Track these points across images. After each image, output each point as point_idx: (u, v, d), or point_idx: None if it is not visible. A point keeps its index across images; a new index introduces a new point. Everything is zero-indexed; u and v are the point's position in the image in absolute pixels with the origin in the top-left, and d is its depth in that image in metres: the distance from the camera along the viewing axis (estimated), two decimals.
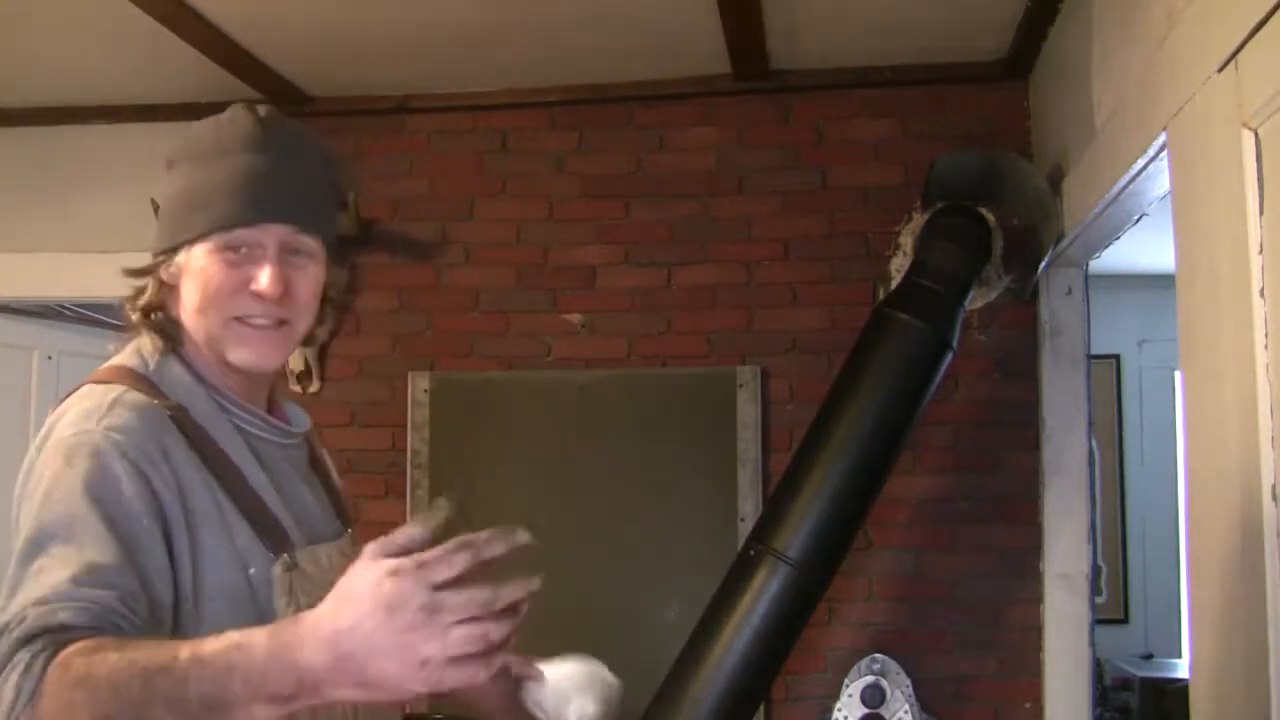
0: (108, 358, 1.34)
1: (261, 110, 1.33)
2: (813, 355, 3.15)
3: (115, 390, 1.22)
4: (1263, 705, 1.41)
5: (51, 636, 1.01)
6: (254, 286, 1.27)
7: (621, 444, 3.18)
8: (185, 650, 0.95)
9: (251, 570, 1.22)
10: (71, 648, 0.99)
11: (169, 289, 1.31)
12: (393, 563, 0.92)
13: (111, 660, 0.97)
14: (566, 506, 3.18)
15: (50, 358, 3.78)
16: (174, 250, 1.30)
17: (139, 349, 1.32)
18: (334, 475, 1.53)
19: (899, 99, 3.19)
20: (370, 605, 0.91)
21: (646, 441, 3.17)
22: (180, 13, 2.69)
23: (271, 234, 1.27)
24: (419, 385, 3.25)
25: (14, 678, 0.99)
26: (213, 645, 0.95)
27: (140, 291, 1.33)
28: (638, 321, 3.25)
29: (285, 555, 1.25)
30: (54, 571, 1.07)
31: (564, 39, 2.96)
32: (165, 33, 2.80)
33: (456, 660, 0.91)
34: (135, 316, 1.32)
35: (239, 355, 1.29)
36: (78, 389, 1.27)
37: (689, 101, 3.27)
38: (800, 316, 3.18)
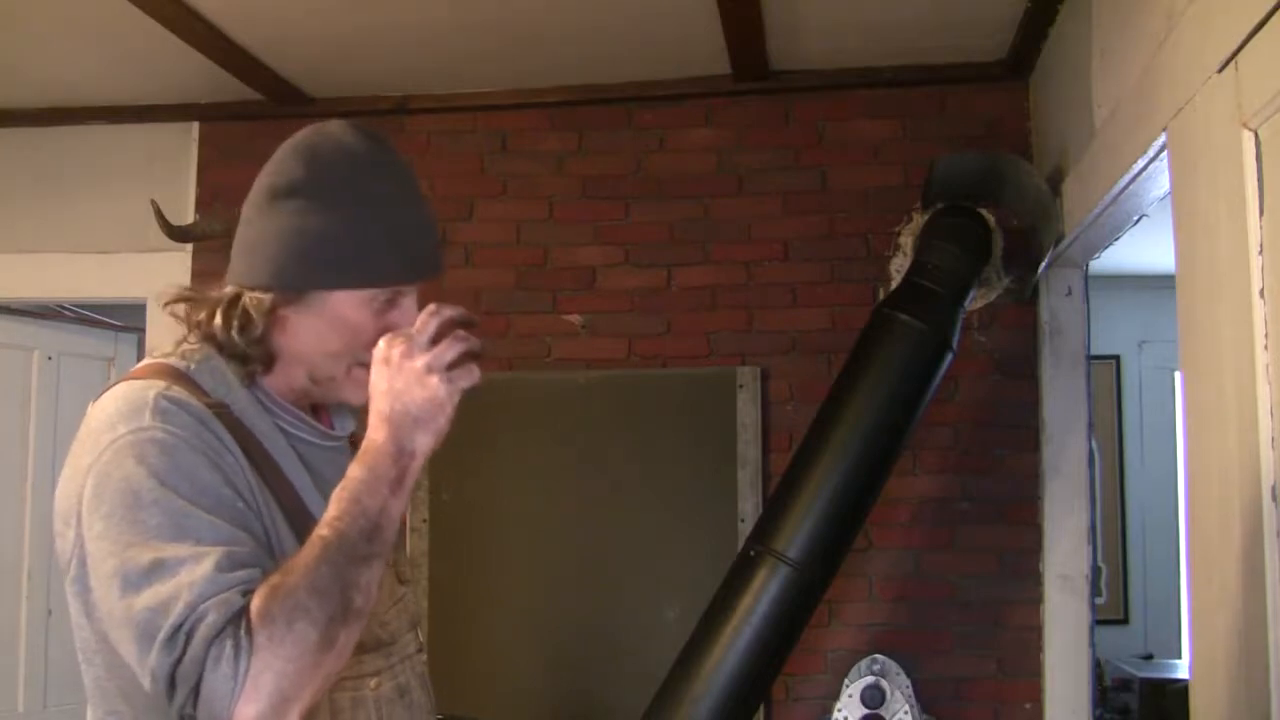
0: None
1: (381, 140, 1.33)
2: (813, 356, 3.15)
3: (156, 386, 1.20)
4: (1263, 705, 1.41)
5: (233, 625, 1.05)
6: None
7: (621, 444, 3.18)
8: (321, 528, 1.12)
9: None
10: (251, 603, 1.06)
11: (278, 320, 1.28)
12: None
13: (287, 576, 1.08)
14: (567, 507, 3.18)
15: (50, 358, 3.78)
16: (307, 290, 1.26)
17: (178, 347, 1.29)
18: None
19: (899, 100, 3.19)
20: (376, 375, 1.18)
21: (646, 442, 3.16)
22: (180, 13, 2.69)
23: (417, 285, 1.32)
24: None
25: (223, 668, 1.03)
26: (332, 507, 1.13)
27: (244, 319, 1.27)
28: (638, 322, 3.25)
29: None
30: (184, 565, 1.07)
31: (564, 39, 2.96)
32: (165, 33, 2.80)
33: (453, 366, 1.17)
34: (240, 341, 1.27)
35: (350, 396, 1.32)
36: (115, 385, 1.24)
37: (689, 102, 3.27)
38: (800, 317, 3.18)
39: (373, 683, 1.28)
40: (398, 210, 1.29)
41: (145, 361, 1.30)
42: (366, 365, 1.26)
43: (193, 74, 3.10)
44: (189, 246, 3.33)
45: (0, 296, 3.59)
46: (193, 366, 1.27)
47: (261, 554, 1.13)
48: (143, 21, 2.72)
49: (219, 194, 3.36)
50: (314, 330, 1.28)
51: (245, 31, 2.88)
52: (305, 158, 1.29)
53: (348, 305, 1.26)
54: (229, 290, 1.29)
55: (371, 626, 1.29)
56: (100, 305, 3.93)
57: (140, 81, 3.25)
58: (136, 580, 1.08)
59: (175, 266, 3.34)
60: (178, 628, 1.04)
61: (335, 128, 1.31)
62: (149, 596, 1.06)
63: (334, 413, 1.43)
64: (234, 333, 1.27)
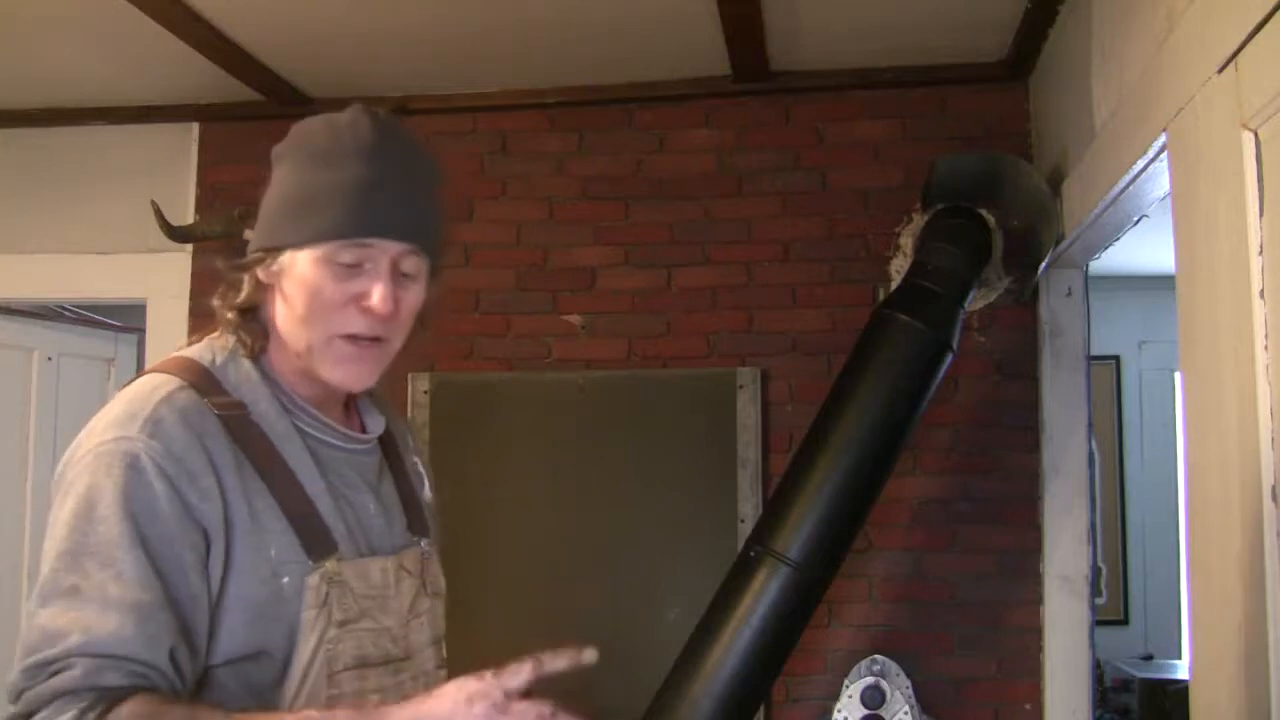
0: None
1: (380, 115, 1.29)
2: (813, 357, 3.15)
3: (165, 387, 1.21)
4: (1263, 705, 1.41)
5: (98, 694, 1.05)
6: (366, 302, 1.24)
7: (621, 445, 3.18)
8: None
9: (285, 580, 1.21)
10: (121, 710, 1.05)
11: (263, 288, 1.29)
12: (476, 679, 1.11)
13: (171, 712, 1.07)
14: (567, 508, 3.18)
15: (50, 358, 3.77)
16: (276, 250, 1.26)
17: (211, 342, 1.30)
18: (421, 483, 1.49)
19: (899, 100, 3.19)
20: (453, 696, 1.09)
21: (646, 442, 3.16)
22: (180, 13, 2.69)
23: (386, 250, 1.25)
24: (419, 387, 3.25)
25: None
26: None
27: (233, 288, 1.29)
28: (638, 323, 3.25)
29: (325, 565, 1.23)
30: (94, 604, 1.09)
31: (564, 40, 2.96)
32: (165, 33, 2.80)
33: None
34: (230, 315, 1.29)
35: (334, 374, 1.27)
36: (141, 375, 1.26)
37: (689, 103, 3.27)
38: (800, 318, 3.18)
39: (375, 699, 1.25)
40: (360, 170, 1.24)
41: (175, 354, 1.30)
42: (347, 338, 1.25)
43: (193, 74, 3.10)
44: (189, 247, 3.33)
45: (0, 296, 3.59)
46: (218, 360, 1.27)
47: (171, 619, 1.12)
48: (143, 22, 2.72)
49: (219, 194, 3.36)
50: (286, 294, 1.27)
51: (245, 32, 2.89)
52: (295, 131, 1.31)
53: (307, 264, 1.24)
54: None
55: (381, 640, 1.28)
56: (100, 305, 3.92)
57: (140, 81, 3.25)
58: (50, 595, 1.11)
59: (175, 267, 3.33)
60: (50, 661, 1.07)
61: (350, 109, 1.31)
62: (49, 615, 1.09)
63: (366, 413, 1.42)
64: (219, 300, 1.30)
